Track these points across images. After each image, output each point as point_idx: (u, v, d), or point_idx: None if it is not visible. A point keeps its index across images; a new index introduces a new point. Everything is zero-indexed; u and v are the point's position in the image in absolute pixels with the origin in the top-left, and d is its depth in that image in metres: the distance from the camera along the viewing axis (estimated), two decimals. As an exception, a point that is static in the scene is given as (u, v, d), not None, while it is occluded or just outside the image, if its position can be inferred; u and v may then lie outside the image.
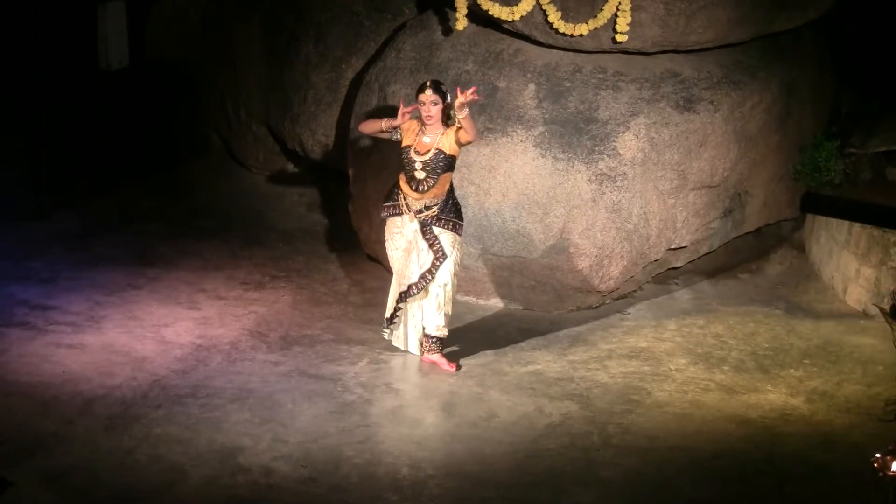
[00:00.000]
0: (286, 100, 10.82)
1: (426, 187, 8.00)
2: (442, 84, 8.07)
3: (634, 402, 7.83)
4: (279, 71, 10.89)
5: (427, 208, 8.05)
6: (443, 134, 7.95)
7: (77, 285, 9.14)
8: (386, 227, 8.30)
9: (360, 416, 7.47)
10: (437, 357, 8.19)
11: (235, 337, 8.48)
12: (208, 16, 11.60)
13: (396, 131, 8.08)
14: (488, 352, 8.44)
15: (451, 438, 7.30)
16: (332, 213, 10.71)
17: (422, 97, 7.94)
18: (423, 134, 7.99)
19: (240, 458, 6.89)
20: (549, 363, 8.35)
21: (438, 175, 7.97)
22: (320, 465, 6.87)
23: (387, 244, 8.33)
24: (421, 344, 8.27)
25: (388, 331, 8.42)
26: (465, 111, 7.74)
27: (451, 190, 8.14)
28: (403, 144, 8.04)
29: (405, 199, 8.10)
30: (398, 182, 8.16)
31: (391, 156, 9.32)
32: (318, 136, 10.67)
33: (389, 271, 9.64)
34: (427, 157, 7.95)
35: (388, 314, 8.40)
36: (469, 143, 7.98)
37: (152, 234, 10.29)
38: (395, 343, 8.42)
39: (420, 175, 7.98)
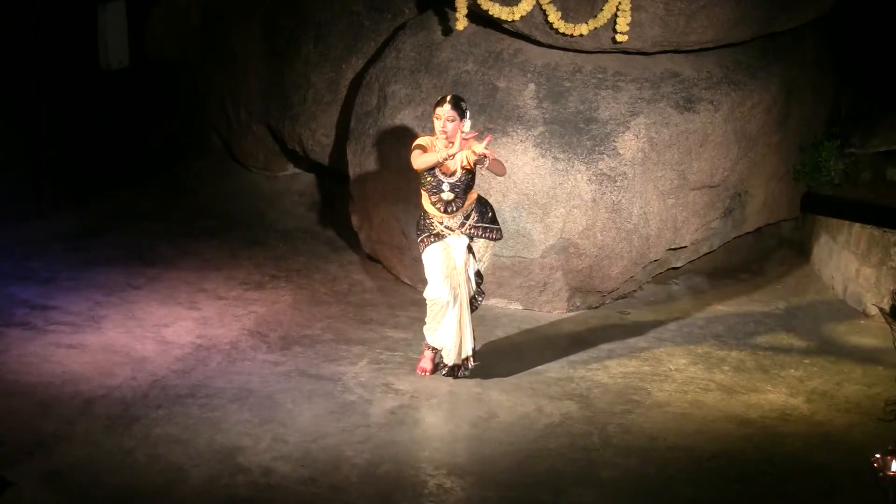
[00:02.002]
0: (286, 100, 10.82)
1: (454, 208, 7.68)
2: (463, 101, 7.64)
3: (634, 402, 7.83)
4: (279, 71, 10.89)
5: (466, 218, 7.76)
6: (465, 151, 7.53)
7: (77, 285, 9.14)
8: (425, 256, 7.80)
9: (360, 416, 7.47)
10: (427, 353, 8.05)
11: (235, 337, 8.47)
12: (208, 15, 11.60)
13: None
14: (489, 352, 8.43)
15: (451, 438, 7.30)
16: (332, 213, 10.71)
17: (439, 111, 7.54)
18: (444, 150, 7.54)
19: (240, 458, 6.89)
20: (549, 363, 8.35)
21: (466, 194, 7.69)
22: (320, 465, 6.87)
23: (431, 272, 7.77)
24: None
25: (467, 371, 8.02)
26: (486, 162, 7.46)
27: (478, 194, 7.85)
28: None
29: (440, 223, 7.75)
30: (424, 211, 7.78)
31: (391, 155, 9.33)
32: (318, 136, 10.67)
33: (389, 272, 9.68)
34: (455, 178, 7.61)
35: (463, 355, 7.93)
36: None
37: (152, 234, 10.29)
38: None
39: (448, 196, 7.63)
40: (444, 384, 7.95)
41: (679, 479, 6.92)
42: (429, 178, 7.66)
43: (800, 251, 10.24)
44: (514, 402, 7.75)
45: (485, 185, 9.03)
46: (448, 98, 7.58)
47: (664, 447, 7.26)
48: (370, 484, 6.72)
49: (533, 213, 9.02)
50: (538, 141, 9.03)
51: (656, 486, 6.86)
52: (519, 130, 9.06)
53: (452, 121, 7.52)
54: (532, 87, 9.18)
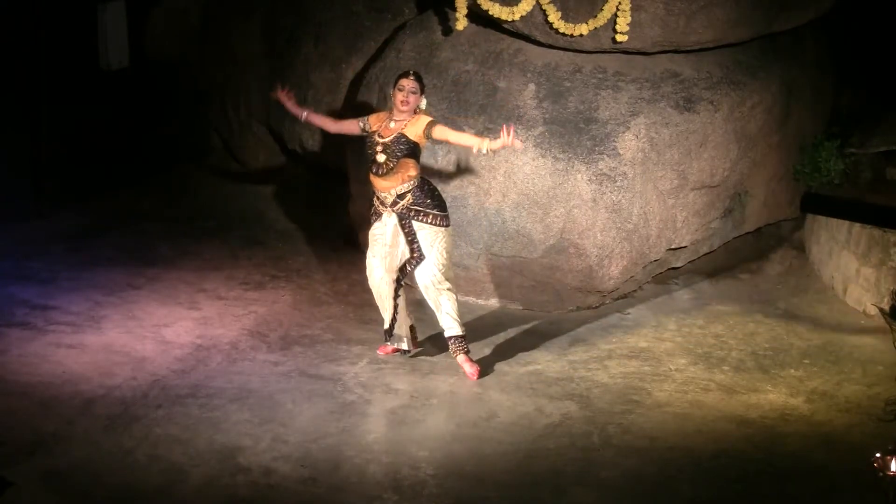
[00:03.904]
0: (286, 99, 10.82)
1: (385, 170, 7.81)
2: (423, 79, 7.96)
3: (634, 402, 7.83)
4: (279, 71, 10.89)
5: (401, 197, 7.88)
6: (409, 122, 7.82)
7: (77, 285, 9.15)
8: (369, 236, 8.09)
9: (360, 416, 7.47)
10: (459, 358, 8.08)
11: (235, 337, 8.48)
12: (208, 16, 11.61)
13: (364, 122, 7.96)
14: (488, 352, 8.44)
15: (451, 438, 7.30)
16: (332, 213, 10.71)
17: (403, 82, 7.83)
18: (391, 120, 7.87)
19: (240, 458, 6.89)
20: (549, 363, 8.35)
21: (398, 158, 7.78)
22: (320, 465, 6.87)
23: (367, 254, 8.12)
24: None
25: (391, 340, 8.27)
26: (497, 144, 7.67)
27: (425, 179, 7.98)
28: (371, 130, 7.93)
29: (377, 196, 7.96)
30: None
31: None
32: (318, 136, 10.68)
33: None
34: (388, 139, 7.82)
35: (385, 326, 8.24)
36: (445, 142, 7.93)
37: (152, 234, 10.29)
38: (403, 347, 8.28)
39: (381, 158, 7.82)
40: (445, 384, 7.96)
41: (679, 479, 6.92)
42: (367, 142, 7.94)
43: (800, 251, 10.23)
44: (514, 402, 7.75)
45: (485, 184, 9.04)
46: (412, 72, 7.94)
47: (664, 447, 7.26)
48: (370, 484, 6.72)
49: (533, 213, 9.02)
50: (538, 141, 9.03)
51: (656, 486, 6.86)
52: (519, 130, 9.05)
53: (414, 93, 7.85)
54: (532, 87, 9.18)
